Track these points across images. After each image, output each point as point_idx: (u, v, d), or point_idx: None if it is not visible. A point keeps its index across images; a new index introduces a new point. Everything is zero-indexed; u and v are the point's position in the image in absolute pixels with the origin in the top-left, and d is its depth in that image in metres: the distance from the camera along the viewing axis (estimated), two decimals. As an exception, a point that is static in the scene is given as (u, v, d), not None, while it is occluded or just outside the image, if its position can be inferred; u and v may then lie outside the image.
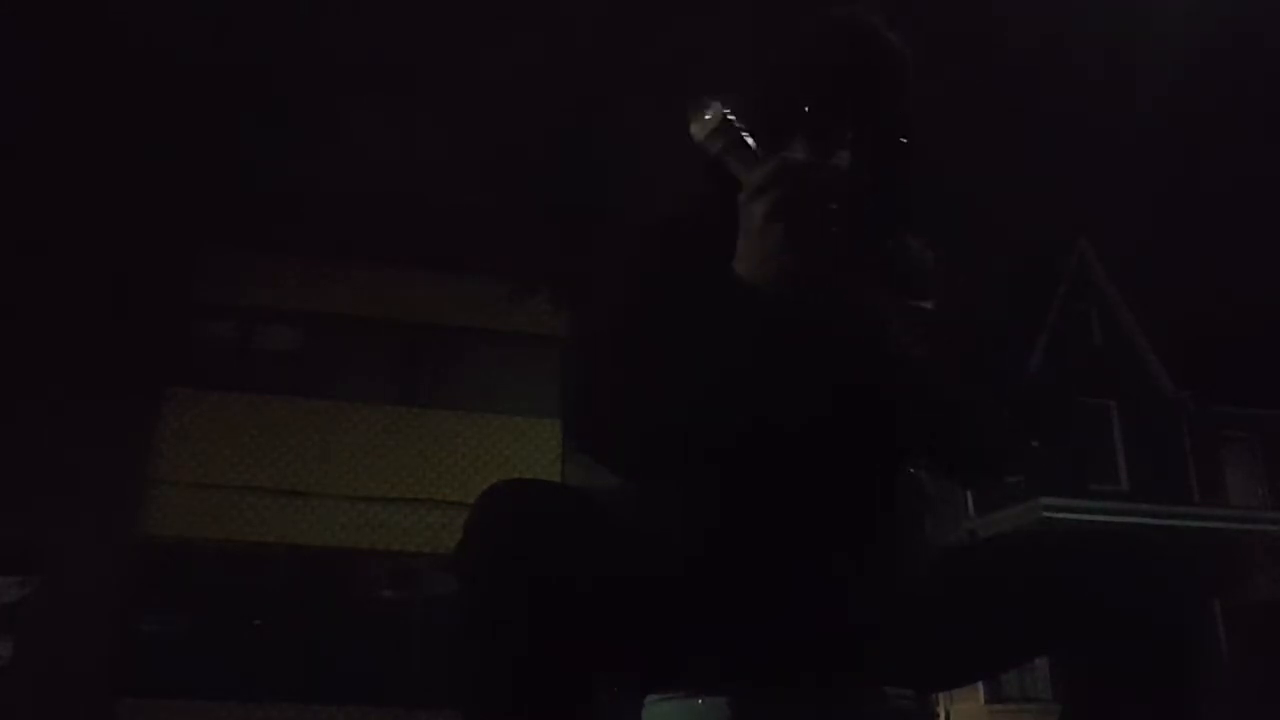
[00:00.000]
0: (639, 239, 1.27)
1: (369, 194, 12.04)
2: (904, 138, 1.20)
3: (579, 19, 10.70)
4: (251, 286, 13.41)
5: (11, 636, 11.53)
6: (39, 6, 10.70)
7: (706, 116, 1.02)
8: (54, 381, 11.19)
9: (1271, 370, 17.47)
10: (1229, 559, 14.92)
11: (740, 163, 1.03)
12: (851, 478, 1.17)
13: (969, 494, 15.47)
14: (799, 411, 1.13)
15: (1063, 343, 17.97)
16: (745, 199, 1.00)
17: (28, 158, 11.10)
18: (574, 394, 1.17)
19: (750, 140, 1.03)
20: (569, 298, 12.18)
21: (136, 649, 11.58)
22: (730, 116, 1.02)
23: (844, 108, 1.16)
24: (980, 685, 13.54)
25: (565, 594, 0.96)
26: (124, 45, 10.56)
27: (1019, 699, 14.60)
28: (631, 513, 1.14)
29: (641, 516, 1.16)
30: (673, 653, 1.11)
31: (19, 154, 10.97)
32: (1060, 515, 13.78)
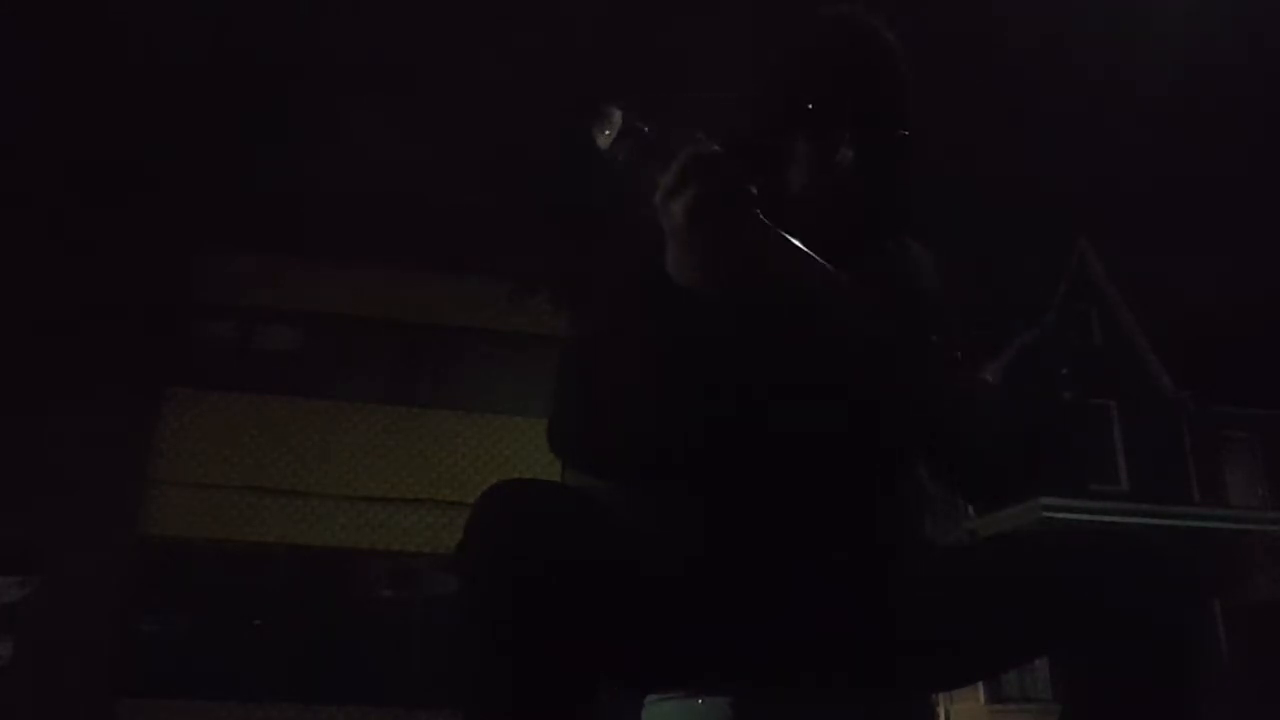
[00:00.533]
0: (622, 249, 1.27)
1: (369, 194, 12.04)
2: (905, 135, 1.20)
3: (579, 19, 10.70)
4: (251, 286, 13.41)
5: (11, 636, 11.53)
6: (38, 6, 10.71)
7: (607, 130, 0.98)
8: (54, 381, 11.19)
9: (1271, 370, 17.47)
10: (1229, 559, 14.91)
11: (651, 167, 0.98)
12: (850, 478, 1.16)
13: (969, 494, 15.46)
14: (779, 411, 1.13)
15: (1063, 343, 17.97)
16: (659, 200, 0.97)
17: (28, 158, 11.10)
18: (554, 404, 1.18)
19: (658, 143, 0.98)
20: (569, 298, 12.16)
21: (136, 649, 11.58)
22: (635, 121, 0.98)
23: (846, 106, 1.17)
24: (980, 685, 13.53)
25: (565, 594, 0.96)
26: (124, 45, 10.57)
27: (1019, 699, 14.60)
28: (632, 513, 1.14)
29: (641, 516, 1.16)
30: (673, 653, 1.11)
31: (19, 154, 10.97)
32: (1060, 515, 13.78)
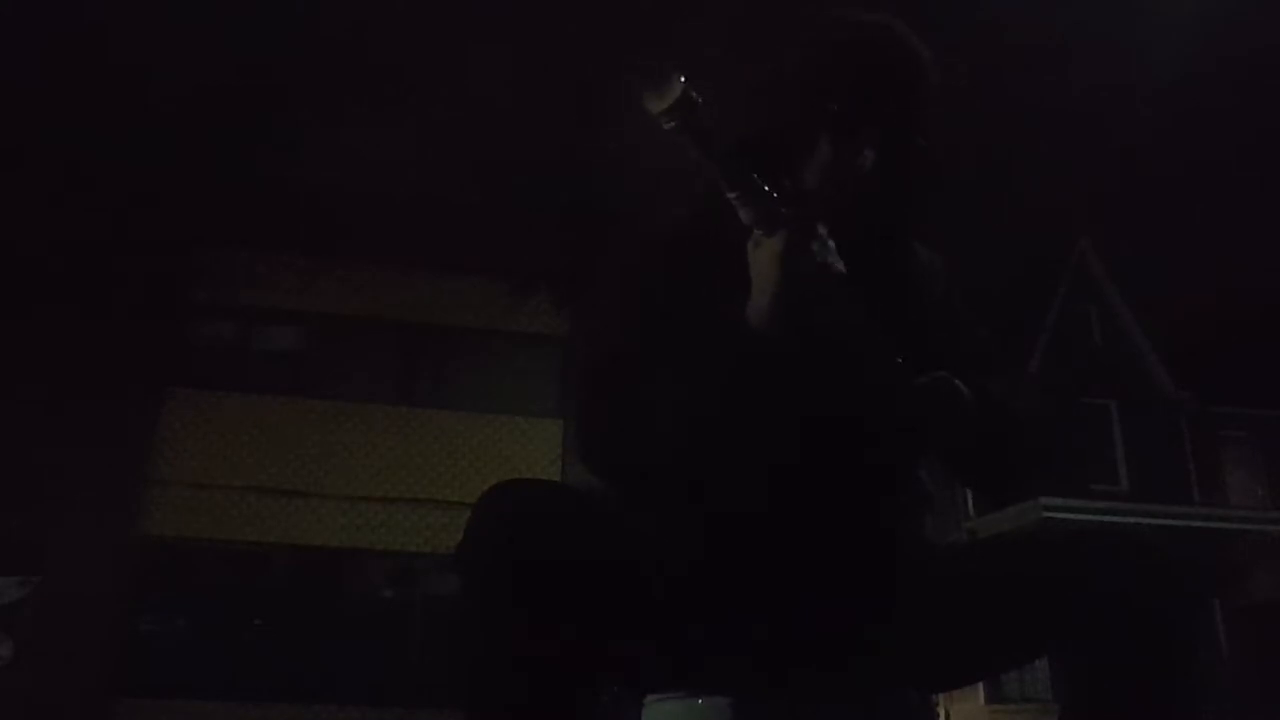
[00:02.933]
0: (638, 254, 1.27)
1: (369, 194, 12.04)
2: (925, 145, 1.20)
3: (579, 18, 10.70)
4: (251, 286, 13.41)
5: (11, 636, 11.53)
6: (38, 6, 10.71)
7: (666, 89, 0.94)
8: (54, 381, 11.19)
9: (1271, 370, 17.46)
10: (1229, 559, 14.91)
11: (696, 146, 0.97)
12: (852, 480, 1.16)
13: (969, 494, 15.48)
14: (800, 429, 1.13)
15: (1063, 343, 17.97)
16: (763, 256, 1.00)
17: (28, 157, 11.10)
18: (578, 412, 1.18)
19: (711, 121, 0.97)
20: (569, 298, 12.17)
21: (136, 649, 11.58)
22: (693, 93, 0.95)
23: (872, 110, 1.17)
24: (980, 685, 13.52)
25: (566, 594, 0.96)
26: (124, 44, 10.56)
27: (1019, 699, 14.59)
28: (633, 513, 1.14)
29: (643, 517, 1.16)
30: (673, 653, 1.11)
31: (19, 154, 10.96)
32: (1060, 515, 13.76)
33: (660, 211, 1.31)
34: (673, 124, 0.95)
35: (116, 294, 11.87)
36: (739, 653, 1.11)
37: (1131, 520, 13.77)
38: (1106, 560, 1.06)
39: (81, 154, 11.21)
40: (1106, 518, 13.89)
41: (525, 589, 0.95)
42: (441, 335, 14.04)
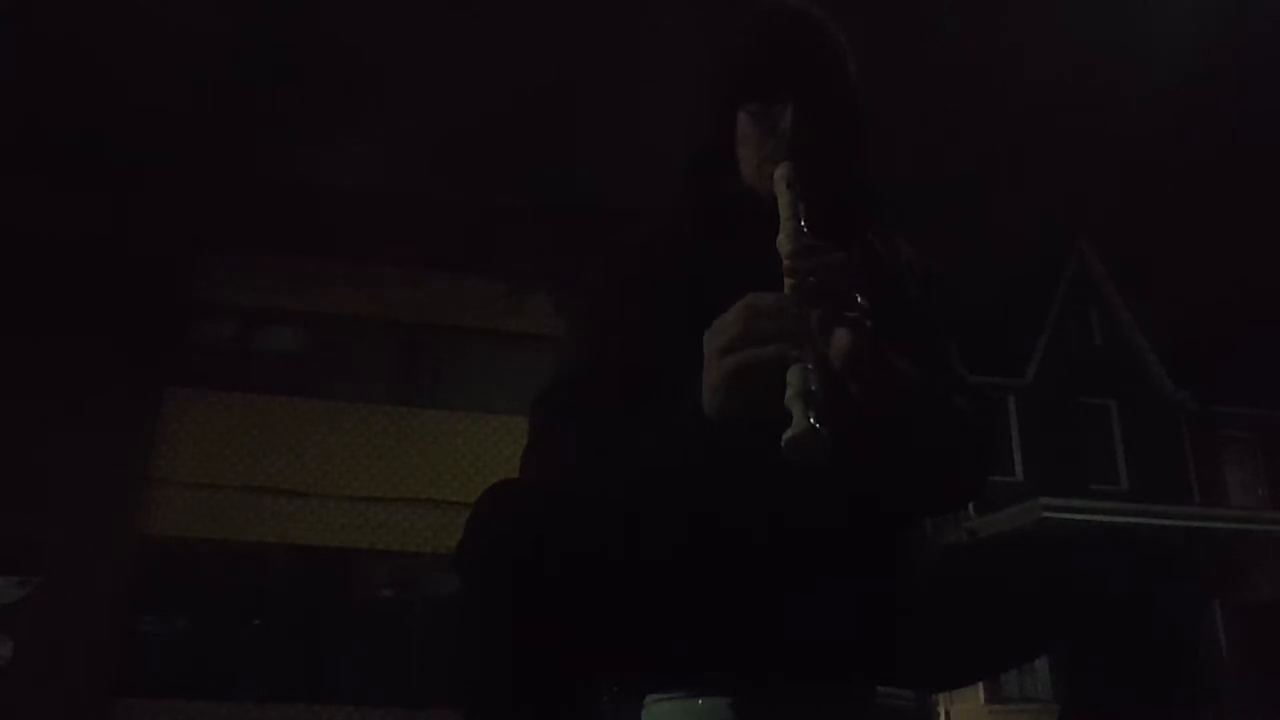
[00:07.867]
0: (610, 273, 1.27)
1: (369, 194, 12.05)
2: (844, 98, 1.22)
3: (580, 21, 10.72)
4: (251, 286, 13.41)
5: (11, 636, 11.52)
6: (40, 9, 10.71)
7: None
8: (54, 381, 11.19)
9: (1271, 370, 17.48)
10: (1229, 559, 14.91)
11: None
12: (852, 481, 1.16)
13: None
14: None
15: (1063, 343, 17.99)
16: (706, 337, 0.95)
17: (28, 157, 11.10)
18: (533, 431, 1.16)
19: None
20: (569, 298, 12.19)
21: (136, 649, 11.58)
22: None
23: (776, 72, 1.19)
24: (980, 685, 13.53)
25: (565, 593, 0.96)
26: (124, 45, 10.57)
27: (1019, 699, 14.59)
28: (631, 513, 1.14)
29: (641, 516, 1.16)
30: (673, 653, 1.11)
31: (19, 153, 10.97)
32: (1060, 515, 13.76)
33: (634, 229, 1.31)
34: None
35: (116, 294, 11.87)
36: (739, 653, 1.11)
37: (1131, 520, 13.77)
38: (1106, 560, 1.05)
39: (82, 153, 11.21)
40: (1106, 518, 13.89)
41: (525, 589, 0.95)
42: (441, 335, 14.04)
